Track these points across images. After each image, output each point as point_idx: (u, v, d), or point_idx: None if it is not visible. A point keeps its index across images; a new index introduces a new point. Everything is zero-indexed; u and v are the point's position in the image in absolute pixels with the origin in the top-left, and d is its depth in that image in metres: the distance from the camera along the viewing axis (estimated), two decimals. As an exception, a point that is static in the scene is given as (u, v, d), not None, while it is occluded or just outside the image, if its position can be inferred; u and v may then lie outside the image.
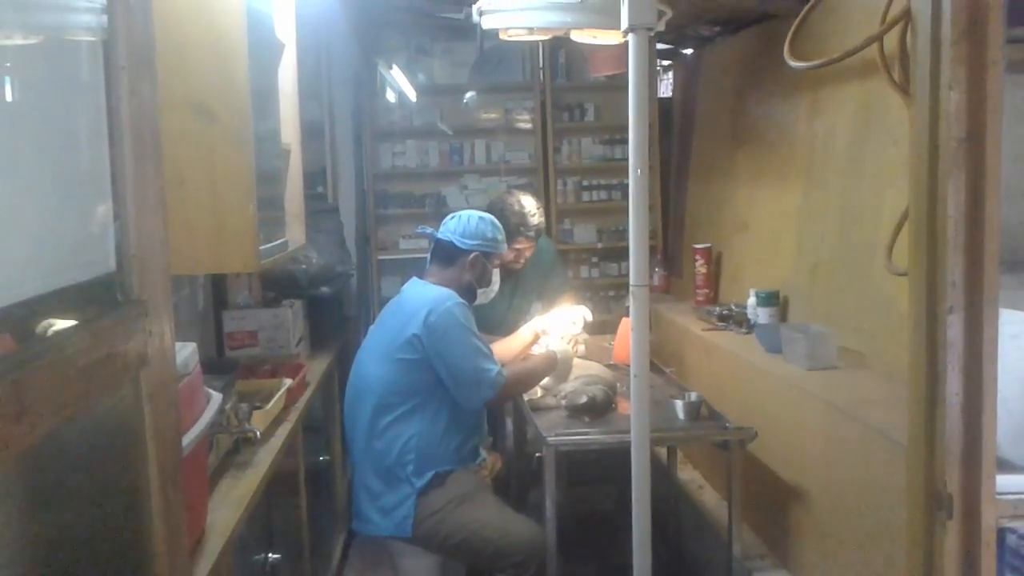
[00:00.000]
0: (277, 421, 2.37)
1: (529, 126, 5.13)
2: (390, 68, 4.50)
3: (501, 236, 2.86)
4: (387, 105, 5.14)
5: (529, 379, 2.80)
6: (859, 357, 2.71)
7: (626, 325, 3.02)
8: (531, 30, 2.38)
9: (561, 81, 5.14)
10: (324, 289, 3.45)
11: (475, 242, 2.76)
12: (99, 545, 1.15)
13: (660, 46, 4.85)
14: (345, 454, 3.55)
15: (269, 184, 2.32)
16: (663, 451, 3.47)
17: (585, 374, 2.85)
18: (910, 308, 1.42)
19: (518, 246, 3.38)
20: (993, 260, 1.31)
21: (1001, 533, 1.38)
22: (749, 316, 3.38)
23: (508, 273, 3.48)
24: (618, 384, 2.81)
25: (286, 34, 2.60)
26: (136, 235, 1.11)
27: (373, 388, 2.62)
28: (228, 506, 1.81)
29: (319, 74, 4.43)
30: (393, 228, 5.15)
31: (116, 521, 1.17)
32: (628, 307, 1.93)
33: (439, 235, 2.81)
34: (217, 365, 2.34)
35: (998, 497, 1.35)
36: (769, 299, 3.26)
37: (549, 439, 2.45)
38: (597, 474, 3.86)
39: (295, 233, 2.64)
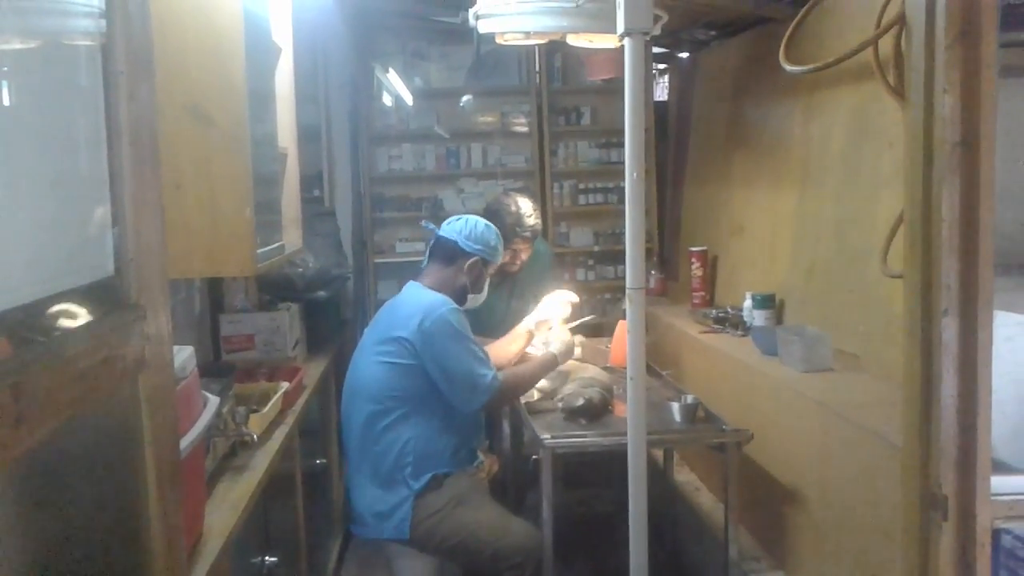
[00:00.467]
0: (274, 424, 2.37)
1: (525, 130, 5.13)
2: (387, 72, 4.50)
3: (501, 248, 2.90)
4: (384, 109, 5.14)
5: (526, 382, 2.81)
6: (854, 359, 2.71)
7: (622, 328, 3.03)
8: (528, 34, 2.39)
9: (557, 85, 5.15)
10: (321, 293, 3.45)
11: (478, 247, 2.78)
12: (98, 547, 1.15)
13: (656, 50, 4.86)
14: (341, 457, 3.55)
15: (266, 188, 2.32)
16: (660, 453, 3.47)
17: (582, 376, 2.85)
18: (905, 311, 1.42)
19: (514, 247, 3.38)
20: (988, 263, 1.32)
21: (996, 534, 1.38)
22: (745, 319, 3.39)
23: (505, 275, 3.48)
24: (615, 387, 2.81)
25: (283, 38, 2.60)
26: (134, 239, 1.11)
27: (368, 391, 2.62)
28: (225, 509, 1.81)
29: (316, 78, 4.44)
30: (390, 232, 5.15)
31: (114, 523, 1.17)
32: (624, 310, 1.94)
33: (441, 233, 2.82)
34: (214, 369, 2.34)
35: (993, 498, 1.36)
36: (765, 302, 3.27)
37: (546, 441, 2.45)
38: (594, 476, 3.86)
39: (292, 237, 2.64)
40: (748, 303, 3.36)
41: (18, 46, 0.93)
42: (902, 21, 1.47)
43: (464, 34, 3.49)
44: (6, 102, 0.93)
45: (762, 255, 3.54)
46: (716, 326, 3.53)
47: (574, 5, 2.22)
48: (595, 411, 2.65)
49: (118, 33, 1.10)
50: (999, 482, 1.38)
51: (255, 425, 2.18)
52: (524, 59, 5.10)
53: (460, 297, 2.77)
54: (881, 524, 2.05)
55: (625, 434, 1.94)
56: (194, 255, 2.02)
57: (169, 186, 1.87)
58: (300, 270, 3.33)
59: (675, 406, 2.62)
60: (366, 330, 2.85)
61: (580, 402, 2.64)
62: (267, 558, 2.07)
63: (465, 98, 5.04)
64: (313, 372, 3.07)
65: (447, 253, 2.79)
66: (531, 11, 2.28)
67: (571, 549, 3.16)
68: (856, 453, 2.20)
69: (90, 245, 1.07)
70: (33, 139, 0.96)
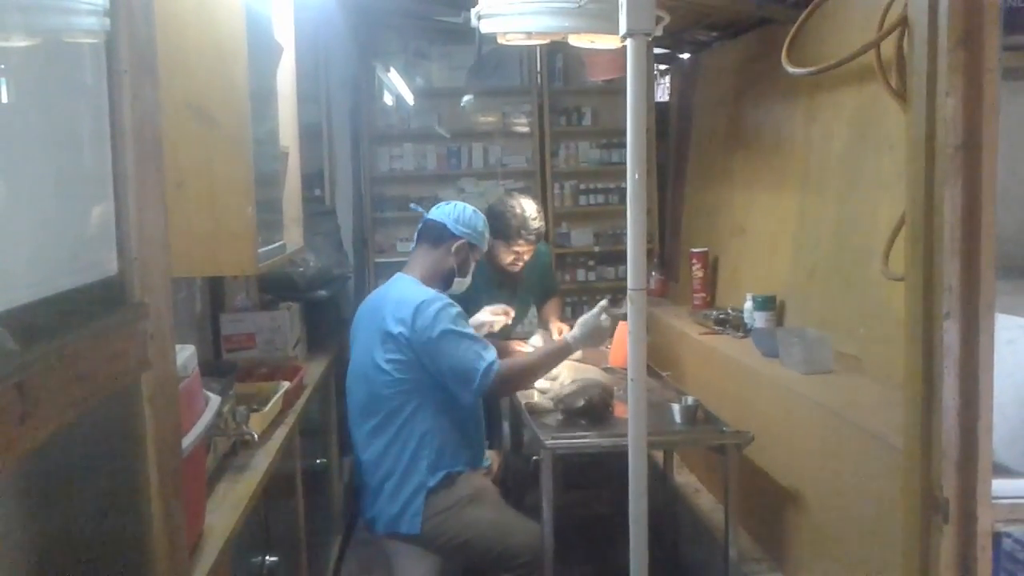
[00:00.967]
0: (274, 424, 2.37)
1: (527, 130, 5.14)
2: (388, 71, 4.51)
3: (487, 234, 2.93)
4: (385, 108, 5.15)
5: (530, 369, 2.78)
6: (855, 361, 2.71)
7: (623, 329, 3.03)
8: (529, 34, 2.39)
9: (559, 85, 5.15)
10: (321, 292, 3.45)
11: (467, 230, 2.82)
12: (99, 546, 1.15)
13: (657, 51, 4.86)
14: (342, 455, 3.55)
15: (267, 187, 2.32)
16: (660, 455, 3.48)
17: (582, 377, 2.85)
18: (906, 313, 1.42)
19: (517, 248, 3.38)
20: (990, 266, 1.32)
21: (997, 537, 1.38)
22: (746, 320, 3.39)
23: (507, 276, 3.49)
24: (615, 388, 2.81)
25: (285, 37, 2.60)
26: (138, 238, 1.11)
27: (373, 389, 2.62)
28: (226, 508, 1.81)
29: (317, 77, 4.44)
30: (390, 231, 5.15)
31: (116, 522, 1.17)
32: (625, 311, 1.94)
33: (430, 216, 2.85)
34: (215, 368, 2.34)
35: (994, 501, 1.35)
36: (766, 303, 3.27)
37: (546, 442, 2.46)
38: (594, 477, 3.86)
39: (293, 236, 2.64)
40: (749, 304, 3.36)
41: (22, 44, 0.93)
42: (904, 24, 1.47)
43: (466, 34, 3.49)
44: (11, 100, 0.93)
45: (763, 256, 3.54)
46: (717, 327, 3.53)
47: (576, 6, 2.22)
48: (595, 412, 2.65)
49: (122, 31, 1.10)
50: (1000, 485, 1.38)
51: (256, 424, 2.19)
52: (525, 59, 5.11)
53: (447, 280, 2.80)
54: (881, 526, 2.05)
55: (625, 435, 1.93)
56: (195, 254, 2.01)
57: (170, 185, 1.87)
58: (301, 269, 3.33)
59: (675, 407, 2.62)
60: (355, 322, 2.84)
61: (581, 403, 2.64)
62: (267, 557, 2.07)
63: (466, 98, 5.04)
64: (314, 371, 3.07)
65: (435, 235, 2.82)
66: (533, 11, 2.28)
67: (571, 550, 3.16)
68: (857, 455, 2.20)
69: (94, 244, 1.07)
70: (37, 138, 0.96)
